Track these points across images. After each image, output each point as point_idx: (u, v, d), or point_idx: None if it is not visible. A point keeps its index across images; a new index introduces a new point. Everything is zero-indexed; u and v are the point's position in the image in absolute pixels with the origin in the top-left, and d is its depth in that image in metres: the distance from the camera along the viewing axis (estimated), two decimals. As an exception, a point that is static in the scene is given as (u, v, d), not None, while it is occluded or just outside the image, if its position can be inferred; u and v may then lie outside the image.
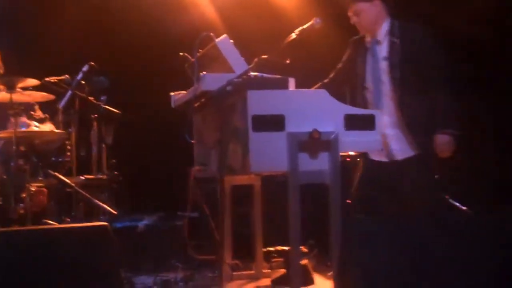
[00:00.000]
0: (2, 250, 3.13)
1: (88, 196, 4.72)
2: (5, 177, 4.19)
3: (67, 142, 5.02)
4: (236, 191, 5.07)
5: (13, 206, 4.24)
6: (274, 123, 4.03)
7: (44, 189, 4.61)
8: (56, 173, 4.65)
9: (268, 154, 4.03)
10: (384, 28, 4.58)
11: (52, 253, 3.19)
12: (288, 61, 4.24)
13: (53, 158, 4.96)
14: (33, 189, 4.37)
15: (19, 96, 4.24)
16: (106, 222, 4.85)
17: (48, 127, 4.69)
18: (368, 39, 4.64)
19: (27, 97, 4.31)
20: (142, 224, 5.48)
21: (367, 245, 3.26)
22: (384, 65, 4.54)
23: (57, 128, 4.90)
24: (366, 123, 4.18)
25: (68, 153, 5.00)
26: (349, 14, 4.61)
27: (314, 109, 4.10)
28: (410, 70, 4.48)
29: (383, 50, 4.56)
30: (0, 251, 3.12)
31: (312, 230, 4.72)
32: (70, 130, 5.02)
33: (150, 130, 5.90)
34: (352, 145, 4.16)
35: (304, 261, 4.72)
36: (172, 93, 4.77)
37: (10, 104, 4.18)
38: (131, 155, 5.76)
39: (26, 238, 3.26)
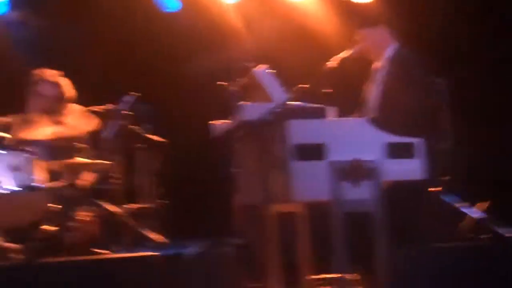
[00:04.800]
0: (54, 280, 3.23)
1: (136, 224, 4.81)
2: (55, 206, 4.30)
3: (113, 171, 5.12)
4: (282, 219, 5.11)
5: (64, 235, 4.35)
6: (315, 152, 4.09)
7: (94, 218, 4.72)
8: (104, 203, 4.76)
9: (310, 183, 4.09)
10: (387, 53, 4.56)
11: (100, 281, 3.27)
12: (328, 90, 4.29)
13: (99, 187, 5.06)
14: (83, 218, 4.48)
15: (65, 129, 4.36)
16: (154, 250, 4.99)
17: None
18: (374, 65, 4.63)
19: (74, 130, 4.43)
20: (189, 251, 5.55)
21: (414, 275, 3.29)
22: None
23: (102, 158, 5.01)
24: (406, 151, 4.20)
25: (115, 183, 5.10)
26: (356, 39, 4.60)
27: (355, 137, 4.14)
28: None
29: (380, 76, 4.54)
30: (52, 282, 3.22)
31: (361, 257, 4.72)
32: (116, 159, 5.12)
33: (195, 159, 5.98)
34: (393, 173, 4.19)
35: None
36: (212, 123, 4.85)
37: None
38: (176, 183, 5.84)
39: (74, 268, 3.37)
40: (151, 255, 3.44)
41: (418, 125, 4.42)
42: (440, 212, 4.68)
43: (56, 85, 4.95)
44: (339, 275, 4.14)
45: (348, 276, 4.79)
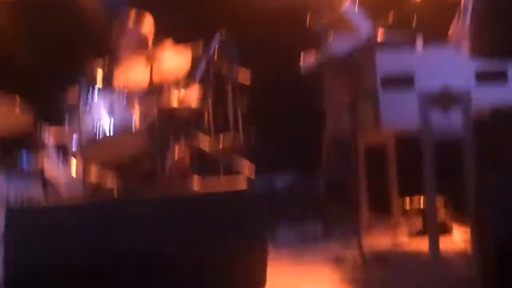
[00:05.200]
0: (151, 214, 3.38)
1: (228, 158, 4.95)
2: (151, 144, 4.47)
3: (204, 108, 5.25)
4: (371, 149, 5.17)
5: (160, 170, 4.53)
6: (404, 82, 4.10)
7: (187, 153, 4.88)
8: (196, 137, 4.90)
9: (399, 113, 4.12)
10: None
11: (197, 215, 3.40)
12: (415, 20, 4.26)
13: (192, 125, 5.21)
14: (177, 154, 4.64)
15: (159, 68, 4.47)
16: (246, 184, 5.13)
17: (193, 92, 4.92)
18: None
19: (167, 71, 4.54)
20: (280, 183, 5.70)
21: (503, 198, 3.30)
22: None
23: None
24: (498, 77, 4.16)
25: (206, 118, 5.23)
26: None
27: (444, 65, 4.13)
28: None
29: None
30: (149, 215, 3.37)
31: (449, 183, 4.74)
32: (206, 97, 5.24)
33: (282, 95, 6.04)
34: (484, 100, 4.16)
35: (441, 213, 4.79)
36: (301, 58, 4.89)
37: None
38: (266, 119, 5.93)
39: (171, 202, 3.50)
40: (243, 190, 3.54)
41: (506, 50, 4.36)
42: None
43: (146, 25, 5.06)
44: (428, 202, 4.17)
45: (437, 203, 4.86)
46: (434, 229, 4.14)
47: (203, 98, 5.16)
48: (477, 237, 3.57)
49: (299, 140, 6.05)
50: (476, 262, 3.52)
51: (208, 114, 5.18)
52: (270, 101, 5.98)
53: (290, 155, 6.20)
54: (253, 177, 5.22)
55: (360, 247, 4.10)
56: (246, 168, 5.01)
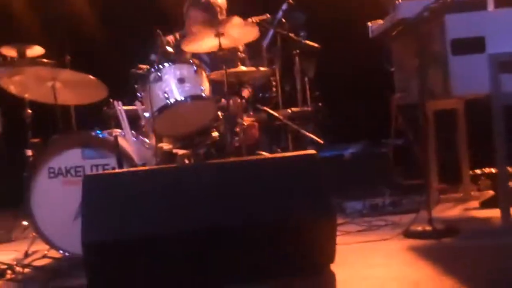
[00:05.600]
0: (222, 179, 3.43)
1: (296, 127, 4.96)
2: (220, 113, 4.52)
3: (272, 78, 5.27)
4: (440, 117, 5.11)
5: (229, 140, 4.58)
6: (474, 45, 4.04)
7: (256, 123, 4.91)
8: (265, 108, 4.93)
9: (469, 77, 4.07)
10: None
11: (265, 181, 3.42)
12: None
13: (260, 94, 5.24)
14: (246, 124, 4.68)
15: (227, 41, 4.51)
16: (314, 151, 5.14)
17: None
18: None
19: (235, 41, 4.57)
20: (348, 152, 5.68)
21: None
22: None
23: (262, 66, 5.16)
24: None
25: (274, 89, 5.25)
26: None
27: (516, 27, 4.04)
28: None
29: None
30: (219, 181, 3.42)
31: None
32: (274, 67, 5.26)
33: (350, 61, 6.01)
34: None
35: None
36: (369, 23, 4.86)
37: (220, 49, 4.46)
38: (333, 87, 5.92)
39: (240, 168, 3.55)
40: (310, 153, 3.53)
41: None
42: None
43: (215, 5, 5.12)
44: (500, 168, 4.10)
45: (509, 169, 4.78)
46: (506, 199, 4.08)
47: (270, 65, 5.17)
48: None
49: (369, 107, 6.02)
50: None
51: (276, 81, 5.19)
52: (338, 68, 5.95)
53: (360, 123, 6.18)
54: (321, 146, 5.22)
55: (429, 217, 4.05)
56: (314, 139, 5.00)
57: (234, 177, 3.44)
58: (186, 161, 4.53)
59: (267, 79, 5.27)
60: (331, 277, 3.34)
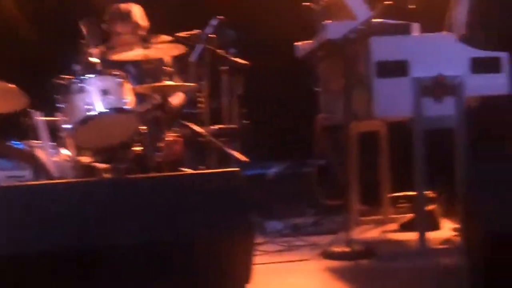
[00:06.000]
0: (140, 194, 3.33)
1: (220, 144, 4.92)
2: (143, 127, 4.45)
3: (198, 94, 5.23)
4: (363, 139, 5.16)
5: (151, 155, 4.51)
6: (398, 68, 4.09)
7: (180, 139, 4.86)
8: (189, 123, 4.88)
9: (393, 100, 4.11)
10: None
11: (185, 197, 3.33)
12: (412, 6, 4.24)
13: (185, 110, 5.20)
14: (170, 139, 4.62)
15: (153, 52, 4.47)
16: (237, 168, 5.10)
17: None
18: None
19: (162, 53, 4.54)
20: (271, 171, 5.67)
21: (491, 188, 3.28)
22: None
23: (189, 81, 5.12)
24: (492, 66, 4.14)
25: (200, 105, 5.22)
26: None
27: (438, 53, 4.12)
28: None
29: None
30: (138, 195, 3.33)
31: (441, 176, 4.73)
32: (201, 82, 5.22)
33: (277, 81, 6.01)
34: (478, 88, 4.14)
35: (432, 206, 4.77)
36: (297, 43, 4.87)
37: (145, 61, 4.42)
38: (260, 105, 5.91)
39: (161, 184, 3.46)
40: (232, 170, 3.50)
41: (504, 42, 4.35)
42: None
43: (134, 18, 5.05)
44: (419, 192, 4.15)
45: (428, 193, 4.85)
46: (423, 224, 4.13)
47: (198, 81, 5.13)
48: (466, 228, 3.56)
49: (294, 127, 6.03)
50: (465, 253, 3.50)
51: (202, 97, 5.16)
52: (266, 86, 5.95)
53: (284, 142, 6.18)
54: (245, 164, 5.20)
55: (348, 239, 4.06)
56: (239, 156, 4.97)
57: (150, 193, 3.34)
58: (106, 176, 4.44)
59: (194, 95, 5.23)
60: (246, 297, 3.28)
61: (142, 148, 4.55)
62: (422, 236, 4.10)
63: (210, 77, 5.30)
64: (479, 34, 4.27)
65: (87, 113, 4.19)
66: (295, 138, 5.92)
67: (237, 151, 5.07)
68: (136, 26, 5.01)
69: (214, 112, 5.42)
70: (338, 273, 3.72)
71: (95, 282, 3.15)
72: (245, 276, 3.33)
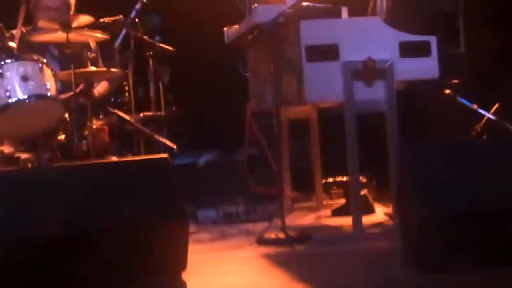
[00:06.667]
0: (66, 183, 3.20)
1: (148, 132, 4.79)
2: (67, 115, 4.29)
3: (124, 82, 5.09)
4: (294, 126, 5.12)
5: (76, 143, 4.34)
6: (328, 52, 4.05)
7: (106, 127, 4.71)
8: (116, 111, 4.73)
9: (323, 84, 4.07)
10: None
11: (113, 185, 3.24)
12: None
13: (112, 99, 5.05)
14: (95, 127, 4.47)
15: (75, 36, 4.31)
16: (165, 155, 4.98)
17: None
18: None
19: (83, 37, 4.38)
20: (202, 160, 5.57)
21: (423, 169, 3.29)
22: None
23: (113, 67, 4.96)
24: (422, 50, 4.14)
25: (127, 93, 5.08)
26: None
27: (368, 37, 4.10)
28: None
29: None
30: (63, 185, 3.20)
31: (371, 161, 4.74)
32: (127, 70, 5.08)
33: (205, 67, 5.91)
34: (408, 72, 4.14)
35: (363, 191, 4.78)
36: (225, 28, 4.78)
37: (67, 44, 4.26)
38: (188, 92, 5.80)
39: (87, 172, 3.34)
40: (161, 157, 3.40)
41: (430, 26, 4.36)
42: (456, 111, 4.67)
43: None
44: (352, 176, 4.13)
45: (360, 178, 4.84)
46: (357, 207, 4.11)
47: (124, 68, 4.99)
48: (399, 210, 3.56)
49: (225, 114, 5.93)
50: (398, 235, 3.50)
51: (129, 85, 5.02)
52: (193, 73, 5.84)
53: (215, 130, 6.09)
54: (175, 153, 5.09)
55: (283, 225, 4.01)
56: (167, 144, 4.85)
57: (77, 181, 3.21)
58: (29, 166, 4.26)
59: (120, 82, 5.08)
60: (182, 286, 3.20)
61: (66, 136, 4.37)
62: (357, 220, 4.08)
63: (136, 65, 5.16)
64: (399, 16, 4.28)
65: (6, 101, 3.99)
66: (225, 125, 5.83)
67: (166, 139, 4.94)
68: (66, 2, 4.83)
69: (141, 100, 5.29)
70: (274, 259, 3.67)
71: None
72: (181, 263, 3.26)
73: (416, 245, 3.24)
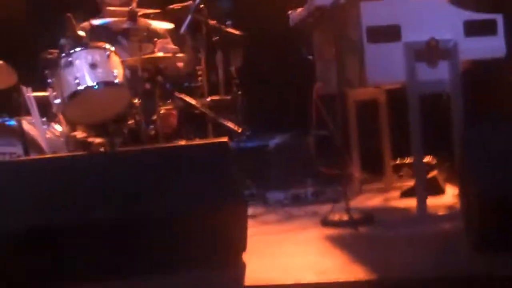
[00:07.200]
0: (133, 167, 3.31)
1: (213, 116, 4.86)
2: (136, 101, 4.41)
3: (197, 67, 5.17)
4: (363, 106, 5.09)
5: (144, 128, 4.47)
6: (390, 33, 4.01)
7: (174, 112, 4.82)
8: (182, 95, 4.82)
9: (385, 66, 4.03)
10: None
11: (170, 169, 3.31)
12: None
13: (186, 84, 5.14)
14: (163, 112, 4.58)
15: (140, 23, 4.41)
16: (237, 142, 5.07)
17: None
18: None
19: (147, 24, 4.48)
20: (273, 143, 5.62)
21: (484, 149, 3.24)
22: None
23: (187, 54, 5.05)
24: (487, 28, 4.04)
25: (200, 78, 5.16)
26: None
27: (431, 16, 4.03)
28: None
29: None
30: (131, 168, 3.30)
31: (444, 142, 4.66)
32: (199, 55, 5.16)
33: (274, 51, 5.94)
34: (473, 52, 4.05)
35: (434, 173, 4.72)
36: (289, 12, 4.79)
37: (134, 31, 4.37)
38: (258, 77, 5.84)
39: (148, 156, 3.44)
40: (219, 141, 3.46)
41: (496, 4, 4.25)
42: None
43: None
44: (416, 158, 4.09)
45: (430, 160, 4.78)
46: (422, 188, 4.07)
47: (194, 53, 5.07)
48: (463, 192, 3.51)
49: (294, 98, 5.95)
50: (462, 217, 3.46)
51: (202, 70, 5.10)
52: (261, 57, 5.87)
53: (285, 113, 6.12)
54: (246, 136, 5.16)
55: (347, 207, 4.01)
56: (233, 128, 4.92)
57: (137, 165, 3.32)
58: (101, 148, 4.41)
59: (193, 68, 5.17)
60: (241, 266, 3.26)
61: (135, 121, 4.50)
62: (421, 203, 4.04)
63: (206, 50, 5.23)
64: None
65: (76, 88, 4.14)
66: (294, 108, 5.84)
67: (234, 123, 5.01)
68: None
69: (214, 86, 5.36)
70: (336, 241, 3.68)
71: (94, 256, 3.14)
72: (241, 245, 3.33)
73: (477, 226, 3.20)
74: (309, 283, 2.96)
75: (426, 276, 2.99)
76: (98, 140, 4.44)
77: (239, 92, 5.15)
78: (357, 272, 3.05)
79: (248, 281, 3.07)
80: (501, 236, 3.10)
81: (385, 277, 2.99)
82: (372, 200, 4.82)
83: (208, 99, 5.00)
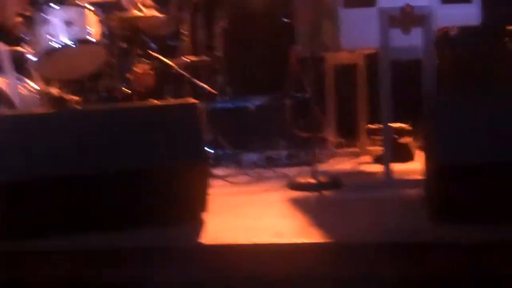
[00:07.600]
0: (101, 125, 3.35)
1: (189, 76, 4.87)
2: (112, 60, 4.42)
3: (181, 26, 5.16)
4: (341, 71, 5.08)
5: (119, 86, 4.48)
6: (365, -1, 4.00)
7: (151, 71, 4.82)
8: (158, 55, 4.83)
9: (359, 31, 4.04)
10: None
11: (137, 128, 3.34)
12: None
13: (169, 43, 5.13)
14: (140, 71, 4.59)
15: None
16: (217, 103, 5.08)
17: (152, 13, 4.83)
18: None
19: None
20: (253, 104, 5.62)
21: (447, 119, 3.26)
22: None
23: (170, 13, 5.04)
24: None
25: (183, 38, 5.15)
26: None
27: (407, -18, 4.01)
28: None
29: None
30: (98, 126, 3.34)
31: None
32: (184, 14, 5.14)
33: (253, 14, 5.91)
34: (448, 19, 4.06)
35: (407, 139, 4.74)
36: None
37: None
38: (237, 39, 5.83)
39: (111, 115, 3.45)
40: (187, 102, 3.48)
41: None
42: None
43: None
44: (385, 124, 4.12)
45: (404, 126, 4.80)
46: (388, 153, 4.09)
47: (180, 12, 5.06)
48: (426, 159, 3.54)
49: (276, 61, 5.94)
50: (423, 184, 3.50)
51: (186, 30, 5.09)
52: (242, 20, 5.85)
53: (267, 76, 6.11)
54: (227, 97, 5.17)
55: (315, 170, 4.04)
56: (208, 89, 4.93)
57: (104, 124, 3.34)
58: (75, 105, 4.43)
59: (176, 27, 5.16)
60: (199, 224, 3.31)
61: (111, 79, 4.51)
62: (387, 168, 4.08)
63: (188, 10, 5.21)
64: None
65: (51, 45, 4.15)
66: (272, 70, 5.84)
67: (212, 84, 5.02)
68: None
69: (193, 45, 5.34)
70: (300, 204, 3.72)
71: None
72: (200, 203, 3.37)
73: (436, 194, 3.24)
74: (264, 243, 3.01)
75: (381, 241, 3.04)
76: (73, 97, 4.46)
77: (217, 54, 5.15)
78: (314, 235, 3.10)
79: (205, 239, 3.13)
80: (458, 205, 3.14)
81: (340, 241, 3.03)
82: (344, 164, 4.83)
83: (186, 59, 5.00)
